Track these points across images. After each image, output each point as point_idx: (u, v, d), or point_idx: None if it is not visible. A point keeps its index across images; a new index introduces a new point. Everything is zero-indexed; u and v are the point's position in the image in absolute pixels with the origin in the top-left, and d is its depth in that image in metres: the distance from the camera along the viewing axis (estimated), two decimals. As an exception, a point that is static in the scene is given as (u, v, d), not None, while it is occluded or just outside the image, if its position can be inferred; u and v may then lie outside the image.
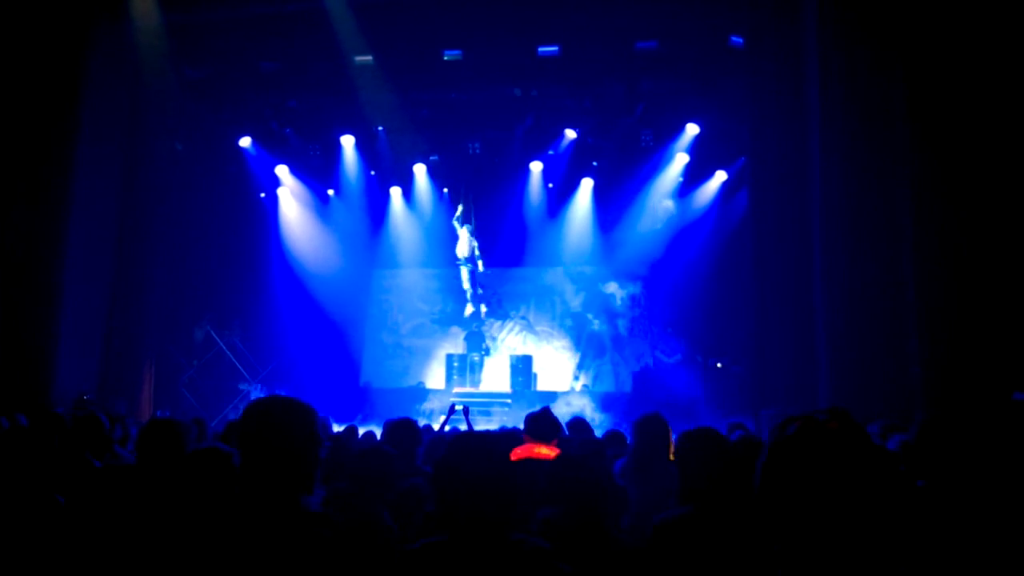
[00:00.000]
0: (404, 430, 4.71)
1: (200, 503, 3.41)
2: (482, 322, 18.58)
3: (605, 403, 15.32)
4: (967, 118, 8.00)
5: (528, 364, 17.07)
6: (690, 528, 3.07)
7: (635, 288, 18.16)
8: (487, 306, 18.69)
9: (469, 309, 18.31)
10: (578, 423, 6.61)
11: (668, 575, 3.02)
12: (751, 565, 2.84)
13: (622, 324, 18.15)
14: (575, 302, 18.71)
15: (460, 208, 17.93)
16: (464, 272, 18.00)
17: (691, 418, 11.79)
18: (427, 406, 15.66)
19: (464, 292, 18.26)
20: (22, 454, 3.56)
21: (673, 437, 5.18)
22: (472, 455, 2.38)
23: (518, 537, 2.32)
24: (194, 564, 2.29)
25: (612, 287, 18.17)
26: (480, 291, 18.29)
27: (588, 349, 18.30)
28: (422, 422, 8.71)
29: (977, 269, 7.84)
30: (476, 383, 17.03)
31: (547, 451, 4.73)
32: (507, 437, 5.32)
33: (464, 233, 17.77)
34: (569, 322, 18.61)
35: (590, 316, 18.41)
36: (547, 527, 3.10)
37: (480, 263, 17.91)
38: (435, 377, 17.97)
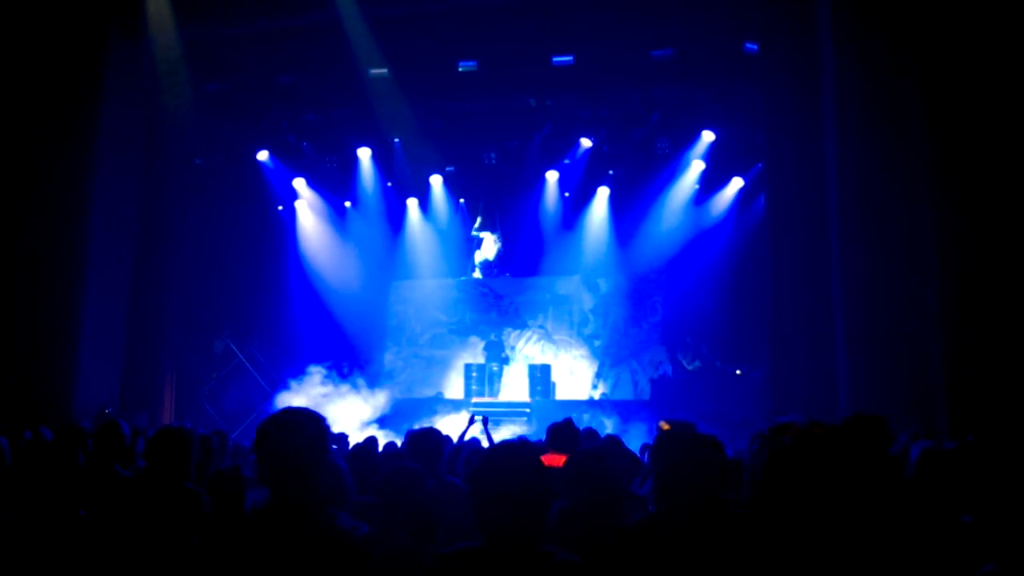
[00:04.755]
0: (427, 439, 4.74)
1: (220, 513, 3.44)
2: (500, 332, 18.59)
3: (623, 412, 15.25)
4: (985, 119, 7.93)
5: (547, 373, 16.99)
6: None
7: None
8: (497, 313, 18.82)
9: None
10: (589, 433, 6.83)
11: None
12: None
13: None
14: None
15: (479, 220, 18.05)
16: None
17: (711, 426, 11.71)
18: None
19: (485, 297, 18.33)
20: (46, 466, 3.57)
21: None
22: (508, 464, 2.39)
23: (548, 549, 2.34)
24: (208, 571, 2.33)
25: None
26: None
27: (606, 357, 18.25)
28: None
29: (998, 272, 7.76)
30: (495, 393, 17.00)
31: (558, 460, 4.80)
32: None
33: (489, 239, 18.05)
34: (590, 329, 18.55)
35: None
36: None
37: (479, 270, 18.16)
38: (454, 387, 17.95)
